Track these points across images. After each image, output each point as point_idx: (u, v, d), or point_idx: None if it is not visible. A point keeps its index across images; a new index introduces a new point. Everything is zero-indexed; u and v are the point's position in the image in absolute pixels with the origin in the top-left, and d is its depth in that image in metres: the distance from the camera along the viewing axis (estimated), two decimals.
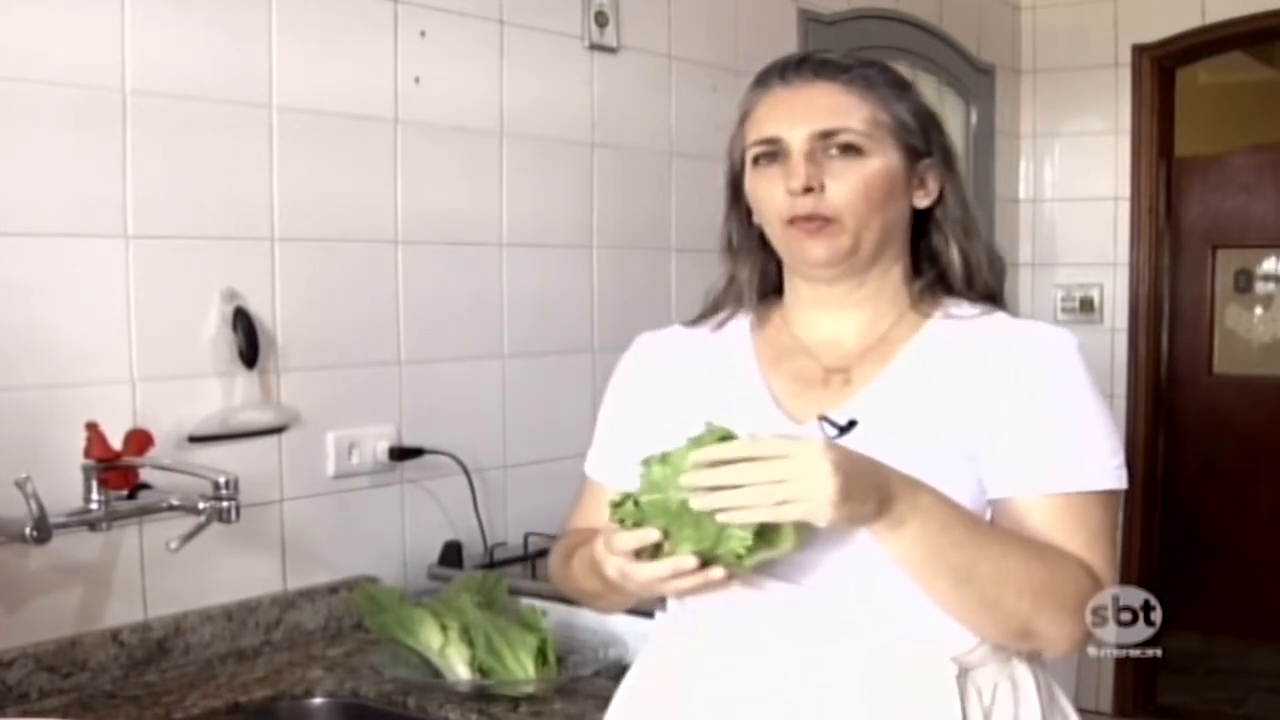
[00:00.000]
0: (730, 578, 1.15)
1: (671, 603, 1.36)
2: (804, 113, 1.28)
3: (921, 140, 1.32)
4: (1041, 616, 1.19)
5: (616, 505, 1.16)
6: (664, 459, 1.14)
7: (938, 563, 1.16)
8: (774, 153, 1.29)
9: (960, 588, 1.17)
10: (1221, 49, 4.15)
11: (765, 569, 1.18)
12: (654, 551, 1.14)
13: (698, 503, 1.10)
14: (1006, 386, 1.24)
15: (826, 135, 1.27)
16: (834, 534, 1.18)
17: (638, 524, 1.14)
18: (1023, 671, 1.26)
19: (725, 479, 1.10)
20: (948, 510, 1.17)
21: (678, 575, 1.14)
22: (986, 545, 1.18)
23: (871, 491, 1.12)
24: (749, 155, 1.32)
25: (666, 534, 1.13)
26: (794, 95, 1.30)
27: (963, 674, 1.21)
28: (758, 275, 1.38)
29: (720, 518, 1.10)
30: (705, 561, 1.13)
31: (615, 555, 1.17)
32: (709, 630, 1.29)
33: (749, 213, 1.36)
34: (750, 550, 1.11)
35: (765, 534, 1.12)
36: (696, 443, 1.13)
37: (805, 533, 1.13)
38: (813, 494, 1.09)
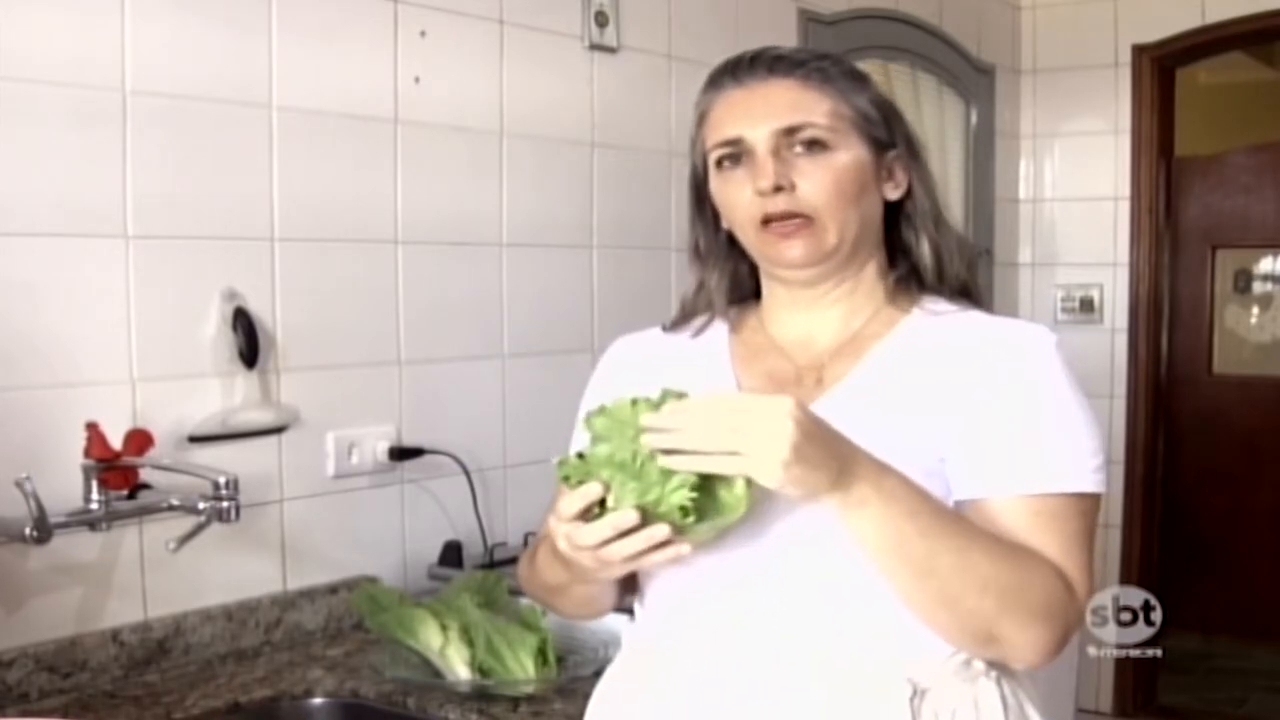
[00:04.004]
0: (677, 543, 1.09)
1: (638, 609, 1.35)
2: (763, 110, 1.26)
3: (885, 131, 1.29)
4: (1006, 620, 1.14)
5: (562, 463, 1.12)
6: (602, 411, 1.12)
7: (900, 550, 1.12)
8: (737, 154, 1.27)
9: (922, 580, 1.13)
10: (1221, 49, 4.15)
11: (715, 544, 1.14)
12: (601, 514, 1.10)
13: (648, 439, 1.07)
14: (981, 384, 1.21)
15: (790, 131, 1.24)
16: (795, 549, 1.16)
17: (582, 481, 1.10)
18: (988, 691, 1.21)
19: (682, 422, 1.07)
20: (915, 498, 1.13)
21: (619, 534, 1.08)
22: (952, 537, 1.14)
23: (830, 462, 1.08)
24: (711, 159, 1.30)
25: (609, 489, 1.09)
26: (750, 94, 1.27)
27: (918, 695, 1.18)
28: (728, 281, 1.37)
29: (663, 460, 1.07)
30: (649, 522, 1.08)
31: (563, 523, 1.13)
32: (668, 641, 1.27)
33: (715, 217, 1.34)
34: (696, 507, 1.07)
35: (714, 495, 1.08)
36: (646, 402, 1.10)
37: (757, 500, 1.09)
38: (764, 450, 1.05)
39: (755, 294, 1.38)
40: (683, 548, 1.10)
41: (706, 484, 1.08)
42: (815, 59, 1.29)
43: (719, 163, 1.29)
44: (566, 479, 1.12)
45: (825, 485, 1.08)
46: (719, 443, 1.06)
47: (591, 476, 1.10)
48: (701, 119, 1.32)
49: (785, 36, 3.01)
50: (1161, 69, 3.97)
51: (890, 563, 1.14)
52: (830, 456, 1.08)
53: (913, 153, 1.32)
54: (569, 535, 1.12)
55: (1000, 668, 1.23)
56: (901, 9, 3.49)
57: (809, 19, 3.12)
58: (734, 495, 1.09)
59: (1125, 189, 4.01)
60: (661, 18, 2.70)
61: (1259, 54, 5.51)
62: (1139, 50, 3.92)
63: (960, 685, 1.20)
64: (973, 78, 3.84)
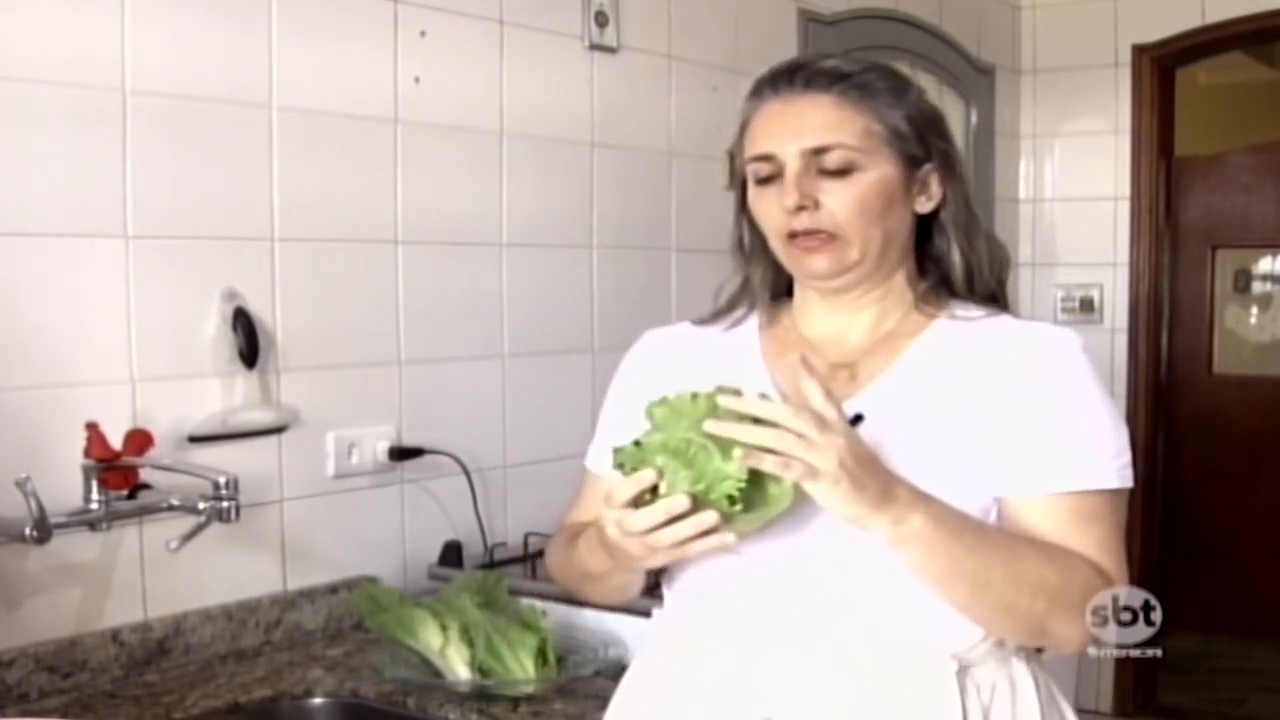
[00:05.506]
0: (723, 531, 1.12)
1: (668, 598, 1.37)
2: (795, 128, 1.28)
3: (919, 146, 1.31)
4: (1055, 617, 1.21)
5: (618, 450, 1.16)
6: (663, 401, 1.15)
7: (954, 569, 1.17)
8: (769, 170, 1.30)
9: (978, 593, 1.19)
10: (1221, 49, 4.15)
11: (760, 535, 1.17)
12: (652, 501, 1.13)
13: (712, 425, 1.11)
14: (1012, 386, 1.25)
15: (819, 151, 1.27)
16: (838, 532, 1.18)
17: (636, 468, 1.14)
18: (1021, 670, 1.27)
19: (757, 414, 1.11)
20: (957, 518, 1.18)
21: (671, 519, 1.12)
22: (999, 550, 1.19)
23: (876, 484, 1.13)
24: (748, 171, 1.33)
25: (662, 475, 1.12)
26: (786, 109, 1.30)
27: (963, 671, 1.22)
28: (770, 275, 1.39)
29: (739, 457, 1.10)
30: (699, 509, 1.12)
31: (613, 509, 1.16)
32: (706, 627, 1.29)
33: None
34: (744, 496, 1.11)
35: (762, 487, 1.12)
36: (706, 396, 1.14)
37: (801, 497, 1.13)
38: (824, 461, 1.09)
39: (789, 291, 1.41)
40: (727, 536, 1.13)
41: (756, 476, 1.11)
42: (859, 72, 1.30)
43: (755, 175, 1.32)
44: (621, 465, 1.15)
45: (872, 502, 1.13)
46: (779, 442, 1.10)
47: (646, 463, 1.13)
48: (743, 127, 1.35)
49: (785, 37, 3.02)
50: (1161, 69, 3.97)
51: (947, 582, 1.19)
52: (878, 483, 1.13)
53: (948, 165, 1.34)
54: (619, 521, 1.15)
55: (1027, 649, 1.28)
56: (901, 9, 3.49)
57: (809, 19, 3.12)
58: (781, 489, 1.13)
59: (1125, 189, 4.01)
60: (661, 18, 2.70)
61: (1259, 54, 5.51)
62: (1139, 50, 3.92)
63: (996, 665, 1.25)
64: (973, 78, 3.84)
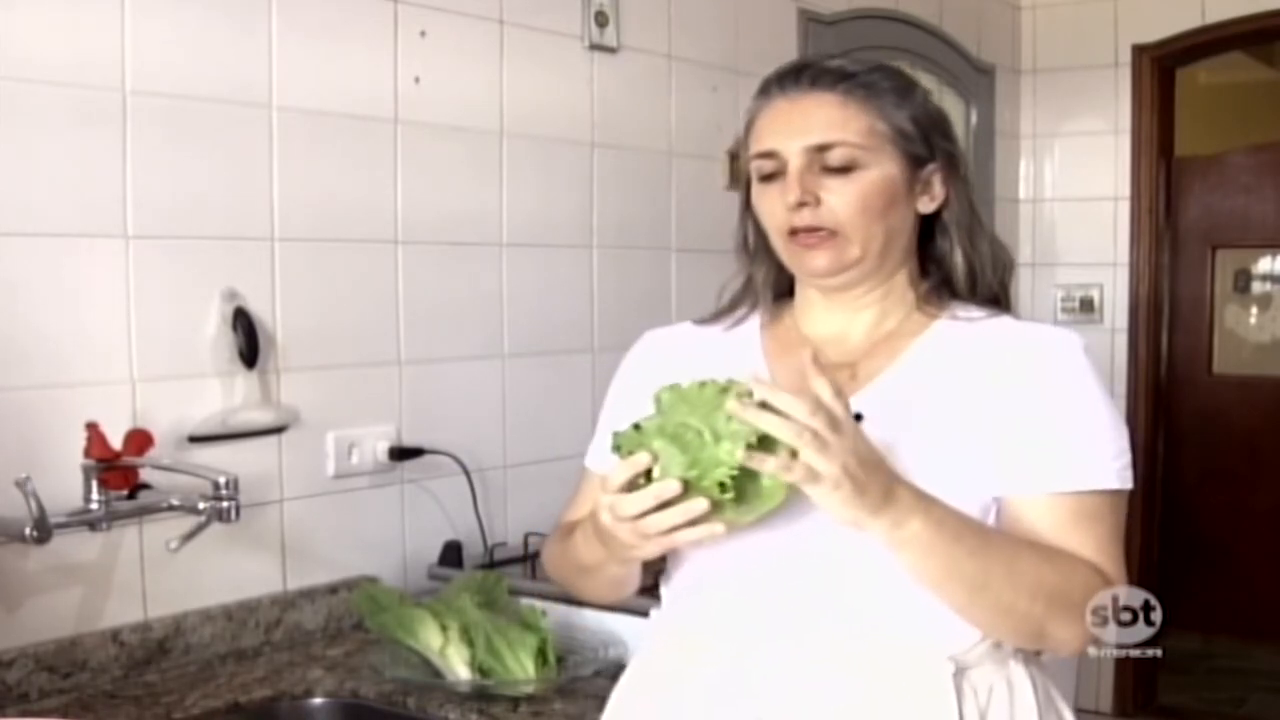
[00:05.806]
0: (713, 521, 1.12)
1: (666, 596, 1.37)
2: (800, 126, 1.29)
3: (923, 147, 1.31)
4: (1054, 619, 1.21)
5: (617, 433, 1.16)
6: (673, 387, 1.15)
7: (954, 571, 1.17)
8: (772, 166, 1.30)
9: (977, 595, 1.19)
10: (1221, 49, 4.15)
11: (756, 528, 1.16)
12: (646, 486, 1.13)
13: (734, 406, 1.09)
14: (1013, 387, 1.25)
15: (822, 149, 1.27)
16: (835, 528, 1.17)
17: (632, 452, 1.14)
18: (1019, 672, 1.27)
19: (773, 403, 1.10)
20: (958, 521, 1.18)
21: (661, 504, 1.11)
22: (998, 552, 1.19)
23: (878, 488, 1.12)
24: (752, 168, 1.34)
25: (657, 459, 1.12)
26: (791, 107, 1.30)
27: (959, 673, 1.22)
28: (773, 275, 1.40)
29: (750, 417, 1.09)
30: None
31: (608, 494, 1.16)
32: (702, 623, 1.30)
33: None
34: (736, 485, 1.10)
35: (755, 478, 1.11)
36: (714, 383, 1.13)
37: (796, 492, 1.12)
38: (829, 466, 1.08)
39: (790, 291, 1.41)
40: (716, 527, 1.13)
41: (749, 473, 1.11)
42: (865, 72, 1.31)
43: (759, 172, 1.32)
44: (619, 449, 1.15)
45: (872, 505, 1.12)
46: (794, 434, 1.08)
47: (643, 447, 1.13)
48: (749, 125, 1.35)
49: (785, 37, 3.02)
50: (1161, 69, 3.97)
51: (946, 584, 1.19)
52: (879, 484, 1.13)
53: (951, 166, 1.34)
54: (612, 505, 1.15)
55: (1025, 651, 1.28)
56: (901, 9, 3.49)
57: (809, 19, 3.12)
58: (774, 482, 1.12)
59: (1125, 189, 4.01)
60: (661, 18, 2.70)
61: (1259, 54, 5.51)
62: (1139, 50, 3.92)
63: (994, 666, 1.25)
64: (973, 78, 3.84)
